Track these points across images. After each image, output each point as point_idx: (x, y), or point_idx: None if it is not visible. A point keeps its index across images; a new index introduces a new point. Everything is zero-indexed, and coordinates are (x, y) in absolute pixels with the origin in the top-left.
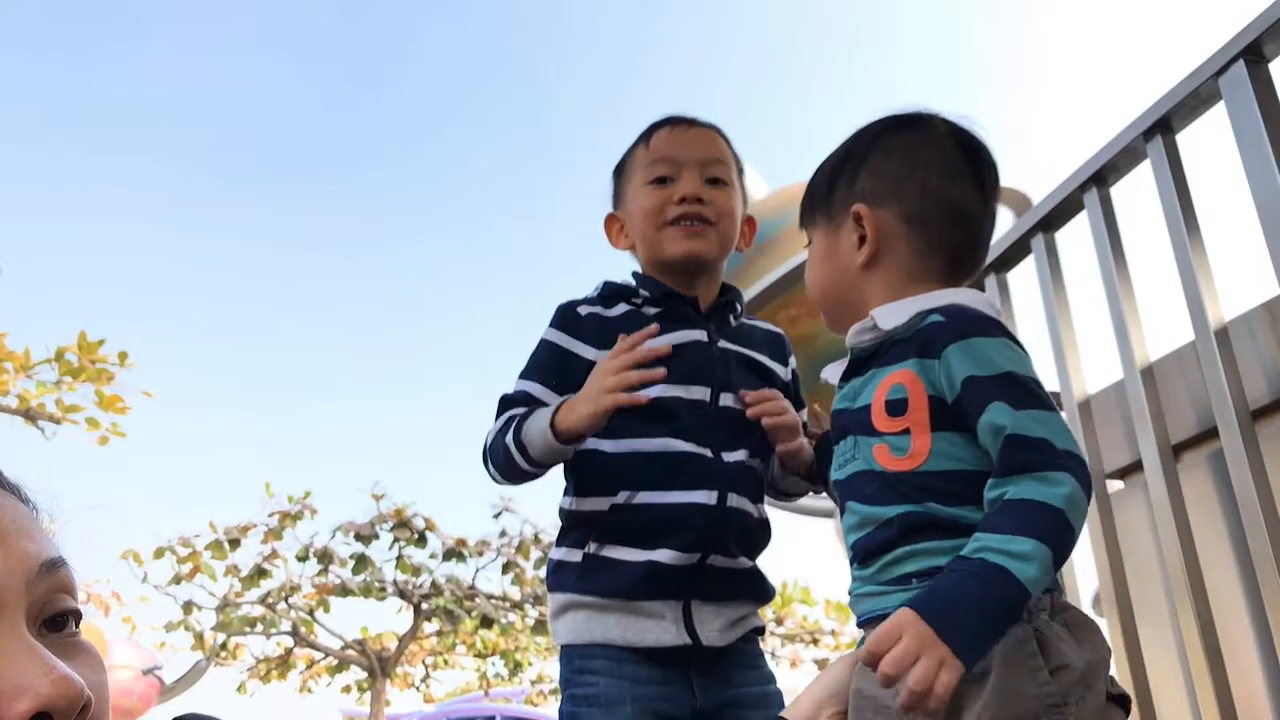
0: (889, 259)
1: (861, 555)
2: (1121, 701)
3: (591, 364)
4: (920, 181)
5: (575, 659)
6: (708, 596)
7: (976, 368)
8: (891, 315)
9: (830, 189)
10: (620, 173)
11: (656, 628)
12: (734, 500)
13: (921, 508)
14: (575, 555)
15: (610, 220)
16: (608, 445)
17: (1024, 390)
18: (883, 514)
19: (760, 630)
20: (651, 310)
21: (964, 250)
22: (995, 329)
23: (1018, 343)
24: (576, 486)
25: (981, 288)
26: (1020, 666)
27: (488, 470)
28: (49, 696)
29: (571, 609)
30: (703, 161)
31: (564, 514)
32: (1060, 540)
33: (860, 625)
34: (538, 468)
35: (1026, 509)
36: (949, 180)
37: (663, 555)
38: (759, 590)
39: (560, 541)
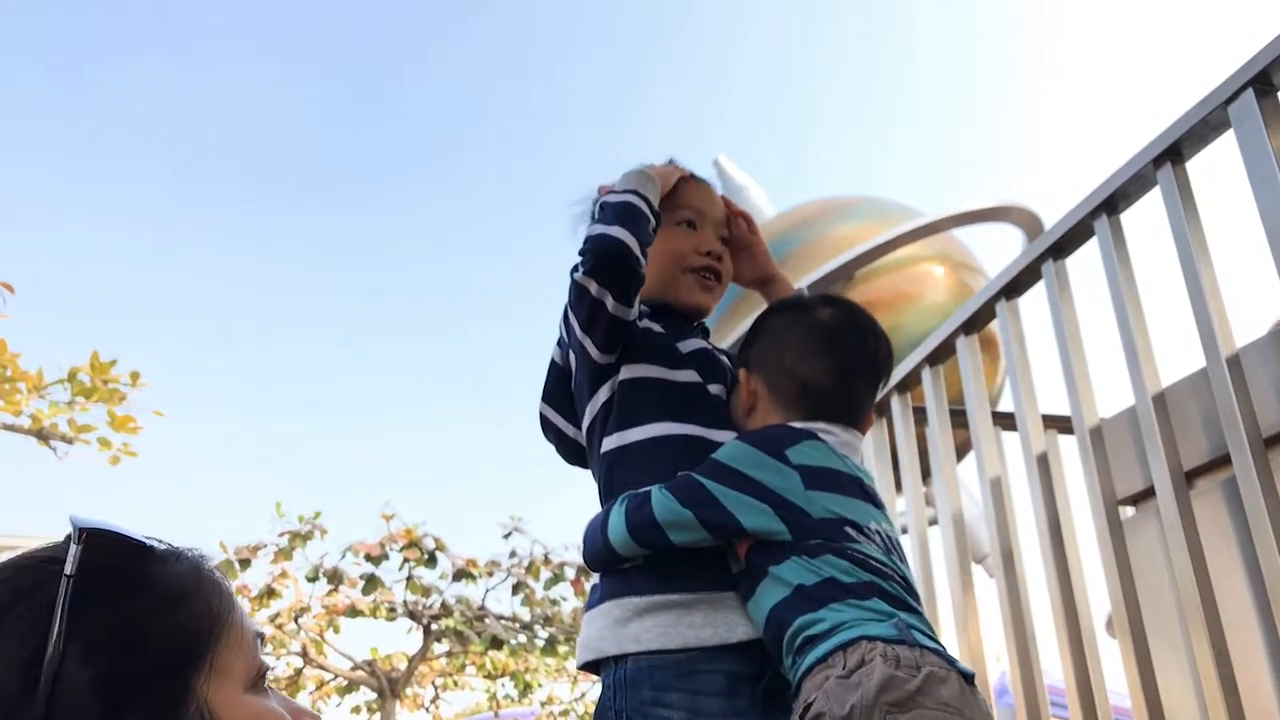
0: (759, 414)
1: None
2: None
3: None
4: (778, 359)
5: (645, 687)
6: None
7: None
8: None
9: (742, 349)
10: None
11: (744, 621)
12: None
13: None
14: None
15: None
16: (639, 433)
17: (710, 463)
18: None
19: None
20: (657, 325)
21: (819, 410)
22: (753, 439)
23: (769, 449)
24: (622, 479)
25: (993, 314)
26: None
27: (596, 267)
28: None
29: (654, 610)
30: (718, 221)
31: None
32: (619, 529)
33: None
34: (637, 197)
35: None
36: (802, 360)
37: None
38: None
39: None
